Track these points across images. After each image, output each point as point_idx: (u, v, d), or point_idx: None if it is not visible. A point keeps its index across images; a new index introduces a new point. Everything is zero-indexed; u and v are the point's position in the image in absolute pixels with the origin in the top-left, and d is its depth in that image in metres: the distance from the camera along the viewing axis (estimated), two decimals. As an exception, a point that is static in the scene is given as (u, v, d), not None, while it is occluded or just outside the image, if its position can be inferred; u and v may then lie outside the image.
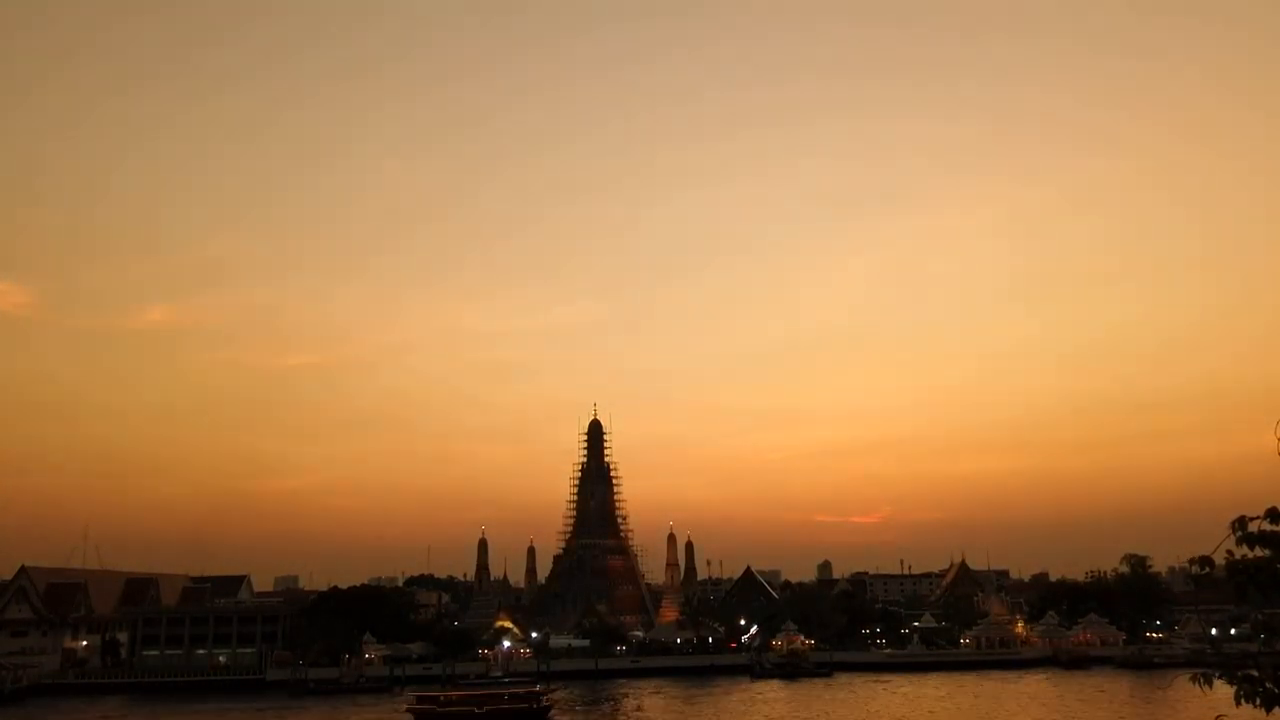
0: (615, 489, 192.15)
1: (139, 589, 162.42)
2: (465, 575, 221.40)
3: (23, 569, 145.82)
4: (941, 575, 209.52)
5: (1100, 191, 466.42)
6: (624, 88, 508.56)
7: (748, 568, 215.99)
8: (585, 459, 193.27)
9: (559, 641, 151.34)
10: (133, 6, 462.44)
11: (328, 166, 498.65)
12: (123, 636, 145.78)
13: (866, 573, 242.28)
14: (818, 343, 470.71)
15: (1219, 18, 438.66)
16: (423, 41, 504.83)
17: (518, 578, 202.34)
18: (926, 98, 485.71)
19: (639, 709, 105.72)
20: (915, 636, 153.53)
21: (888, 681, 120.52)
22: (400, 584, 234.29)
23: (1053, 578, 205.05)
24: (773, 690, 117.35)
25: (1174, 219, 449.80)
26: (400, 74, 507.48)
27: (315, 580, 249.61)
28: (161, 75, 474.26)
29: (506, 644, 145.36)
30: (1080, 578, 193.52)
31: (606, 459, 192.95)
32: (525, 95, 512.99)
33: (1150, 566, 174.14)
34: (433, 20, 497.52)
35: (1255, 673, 10.88)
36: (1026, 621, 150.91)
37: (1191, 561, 11.80)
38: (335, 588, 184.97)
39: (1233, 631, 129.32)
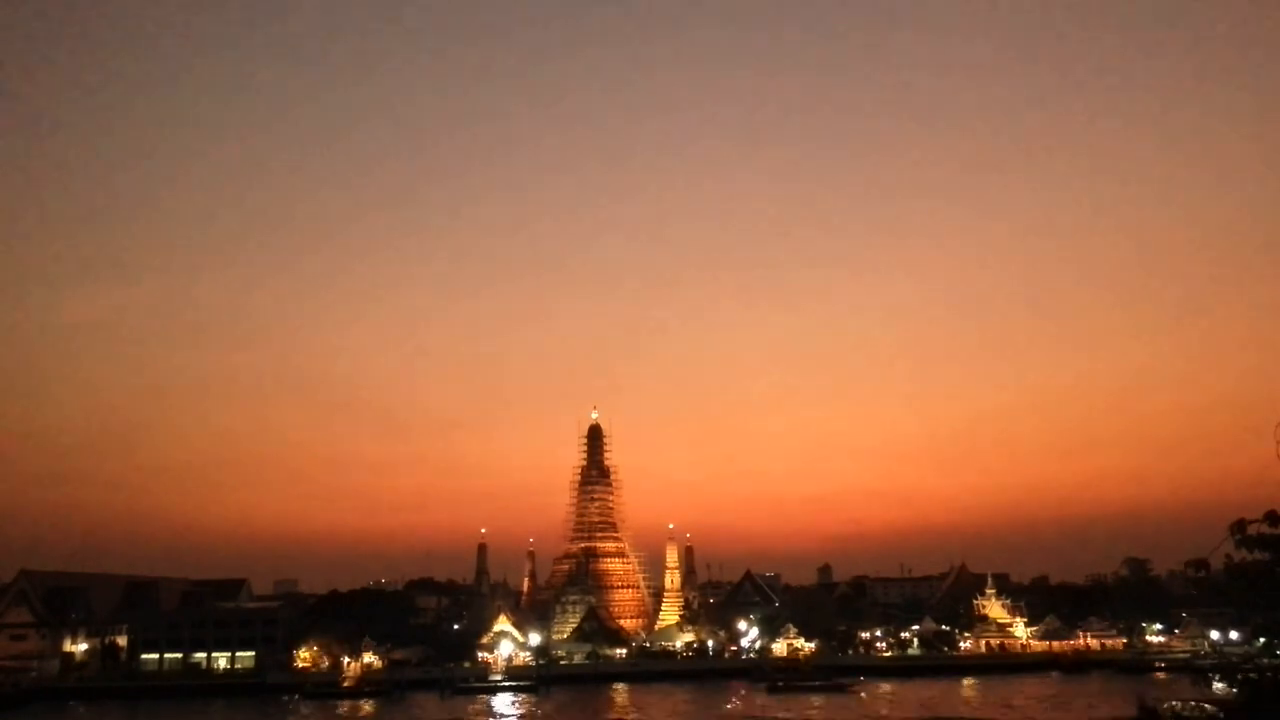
0: (615, 492, 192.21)
1: (138, 592, 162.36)
2: (465, 579, 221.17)
3: (22, 572, 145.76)
4: (941, 579, 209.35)
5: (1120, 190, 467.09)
6: (619, 102, 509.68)
7: (747, 571, 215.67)
8: (585, 462, 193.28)
9: (559, 645, 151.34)
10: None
11: (324, 155, 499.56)
12: (122, 640, 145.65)
13: (867, 576, 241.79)
14: (819, 348, 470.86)
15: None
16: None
17: (517, 581, 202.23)
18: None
19: (639, 713, 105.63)
20: (915, 640, 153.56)
21: (888, 684, 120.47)
22: (400, 587, 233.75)
23: (1053, 581, 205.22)
24: (773, 693, 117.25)
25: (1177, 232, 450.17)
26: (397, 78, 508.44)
27: (315, 584, 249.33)
28: (136, 77, 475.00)
29: (506, 647, 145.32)
30: (1080, 581, 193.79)
31: (606, 462, 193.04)
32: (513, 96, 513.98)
33: (1150, 570, 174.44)
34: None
35: (1254, 675, 10.94)
36: (1026, 625, 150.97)
37: (1188, 564, 11.89)
38: (335, 591, 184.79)
39: (1233, 635, 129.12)
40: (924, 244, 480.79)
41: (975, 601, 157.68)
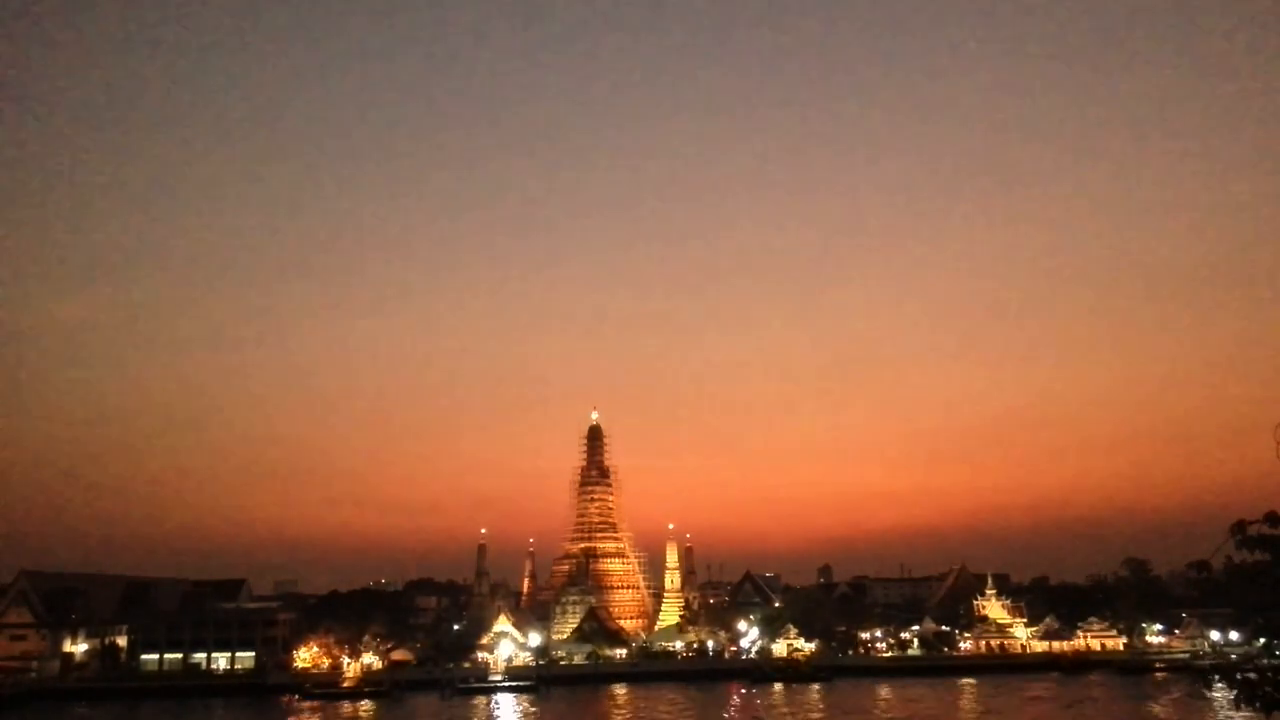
0: (615, 493, 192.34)
1: (138, 593, 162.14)
2: (465, 579, 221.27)
3: (23, 572, 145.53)
4: (941, 579, 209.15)
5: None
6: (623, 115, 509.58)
7: (747, 571, 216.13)
8: (585, 463, 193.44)
9: (558, 645, 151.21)
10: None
11: (329, 160, 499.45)
12: (122, 640, 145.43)
13: (867, 576, 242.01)
14: (819, 350, 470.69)
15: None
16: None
17: (517, 581, 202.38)
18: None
19: (639, 713, 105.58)
20: (915, 640, 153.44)
21: (888, 685, 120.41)
22: (400, 588, 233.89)
23: (1053, 581, 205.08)
24: (773, 694, 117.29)
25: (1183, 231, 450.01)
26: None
27: (315, 584, 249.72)
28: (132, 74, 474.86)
29: (506, 647, 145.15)
30: (1080, 581, 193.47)
31: (606, 462, 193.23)
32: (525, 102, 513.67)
33: (1150, 570, 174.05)
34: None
35: (1254, 676, 10.91)
36: (1026, 625, 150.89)
37: (1189, 565, 11.85)
38: (335, 591, 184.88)
39: (1233, 635, 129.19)
40: (925, 251, 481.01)
41: (975, 602, 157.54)
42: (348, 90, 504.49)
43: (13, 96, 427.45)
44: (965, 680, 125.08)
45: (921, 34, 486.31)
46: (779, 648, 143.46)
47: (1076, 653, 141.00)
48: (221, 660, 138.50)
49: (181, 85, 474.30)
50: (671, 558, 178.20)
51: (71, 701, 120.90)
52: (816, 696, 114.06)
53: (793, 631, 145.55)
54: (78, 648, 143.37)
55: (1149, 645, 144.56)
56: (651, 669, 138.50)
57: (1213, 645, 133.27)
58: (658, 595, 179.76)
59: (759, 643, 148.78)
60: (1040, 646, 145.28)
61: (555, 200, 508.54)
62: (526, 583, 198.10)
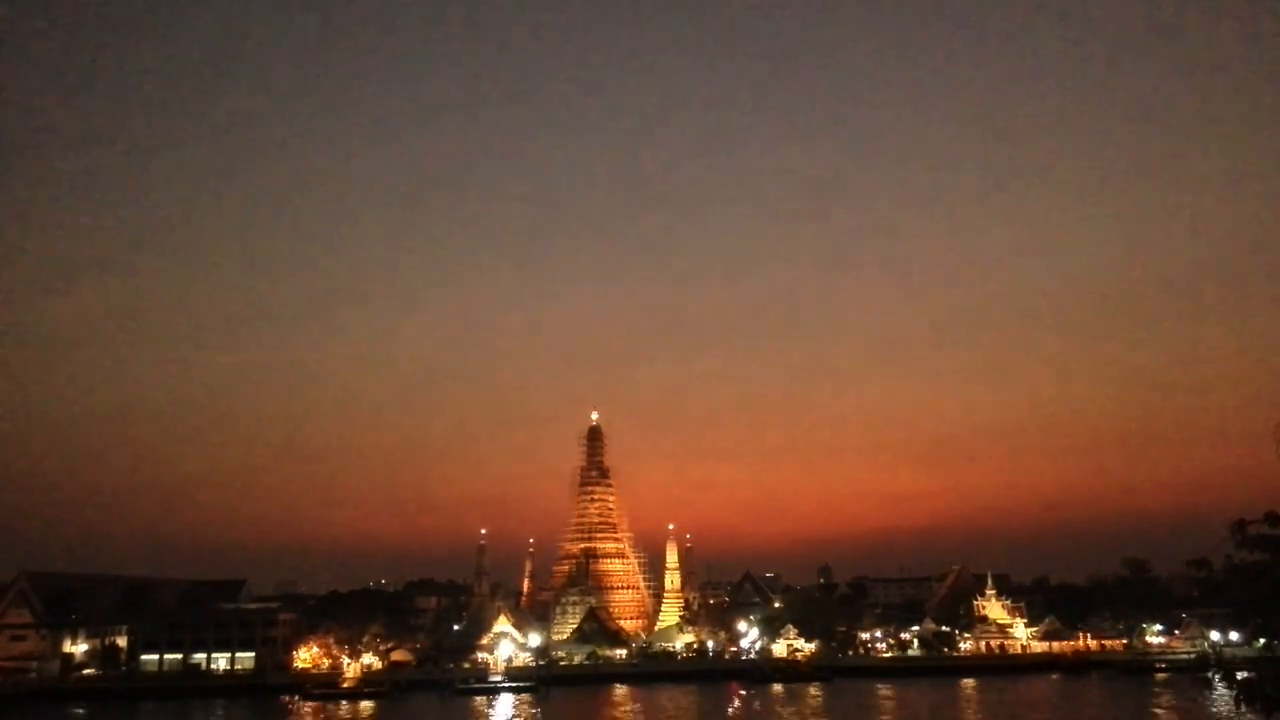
0: (615, 493, 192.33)
1: (138, 593, 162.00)
2: (465, 579, 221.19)
3: (22, 572, 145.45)
4: (941, 579, 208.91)
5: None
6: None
7: (747, 572, 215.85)
8: (585, 463, 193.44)
9: (559, 646, 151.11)
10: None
11: (330, 159, 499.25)
12: (122, 640, 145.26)
13: (866, 576, 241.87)
14: (819, 351, 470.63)
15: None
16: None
17: (517, 582, 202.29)
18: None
19: (639, 713, 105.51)
20: (915, 640, 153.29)
21: (888, 685, 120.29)
22: (400, 588, 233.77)
23: (1053, 581, 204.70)
24: (772, 694, 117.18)
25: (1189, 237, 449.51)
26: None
27: (315, 584, 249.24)
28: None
29: (506, 648, 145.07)
30: (1080, 581, 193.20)
31: (606, 463, 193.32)
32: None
33: (1150, 570, 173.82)
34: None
35: (1254, 677, 10.90)
36: (1027, 625, 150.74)
37: (1190, 564, 11.87)
38: (335, 592, 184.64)
39: (1233, 635, 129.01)
40: (927, 255, 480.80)
41: (975, 602, 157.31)
42: (353, 97, 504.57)
43: (13, 94, 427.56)
44: (965, 680, 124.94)
45: (923, 38, 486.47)
46: (779, 648, 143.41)
47: (1077, 653, 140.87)
48: (221, 660, 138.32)
49: (184, 82, 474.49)
50: (671, 558, 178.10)
51: (72, 702, 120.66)
52: (816, 697, 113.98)
53: (792, 631, 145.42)
54: (78, 648, 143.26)
55: (1149, 645, 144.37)
56: (651, 669, 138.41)
57: (1213, 645, 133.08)
58: (658, 595, 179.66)
59: (759, 643, 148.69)
60: (1040, 647, 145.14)
61: (554, 201, 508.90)
62: (526, 583, 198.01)
